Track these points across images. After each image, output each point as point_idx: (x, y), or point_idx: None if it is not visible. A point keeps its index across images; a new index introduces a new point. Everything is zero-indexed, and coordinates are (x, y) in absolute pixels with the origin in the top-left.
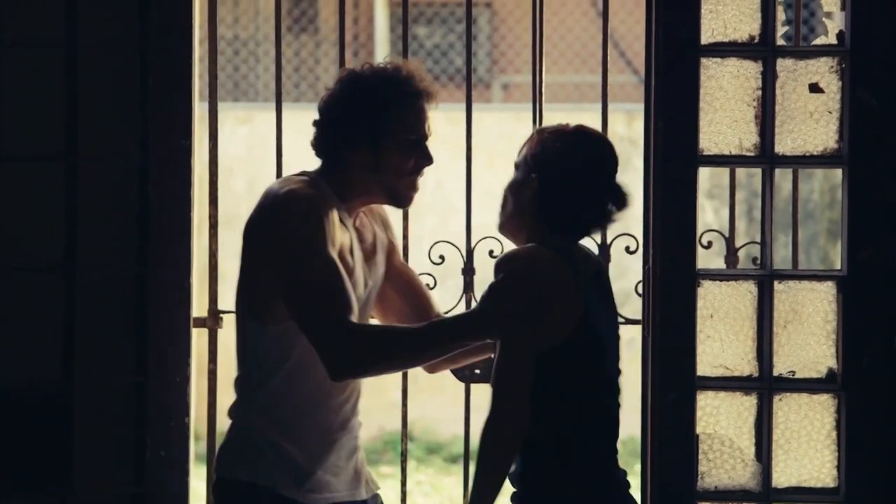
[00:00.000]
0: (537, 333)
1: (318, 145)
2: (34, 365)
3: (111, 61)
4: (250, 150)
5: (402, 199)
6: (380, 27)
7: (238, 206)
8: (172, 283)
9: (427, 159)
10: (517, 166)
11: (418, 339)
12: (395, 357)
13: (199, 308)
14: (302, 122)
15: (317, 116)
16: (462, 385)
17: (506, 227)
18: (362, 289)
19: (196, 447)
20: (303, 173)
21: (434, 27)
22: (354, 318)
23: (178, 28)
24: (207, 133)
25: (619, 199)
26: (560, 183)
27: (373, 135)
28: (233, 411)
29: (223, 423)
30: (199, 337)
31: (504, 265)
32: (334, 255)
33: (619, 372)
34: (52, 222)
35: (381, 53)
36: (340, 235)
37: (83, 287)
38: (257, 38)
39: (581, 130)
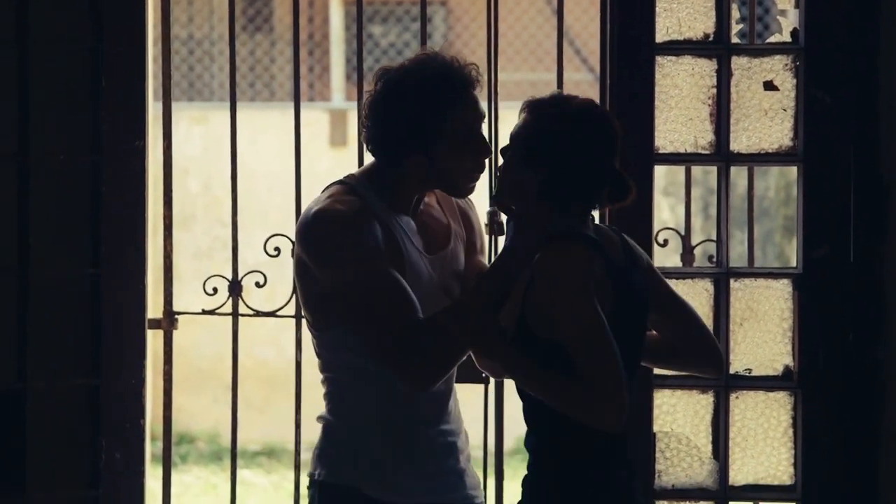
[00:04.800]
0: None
1: (370, 146)
2: None
3: (63, 61)
4: (206, 149)
5: (462, 191)
6: (335, 26)
7: (193, 205)
8: (127, 285)
9: (484, 152)
10: (513, 140)
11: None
12: (457, 352)
13: (154, 309)
14: (257, 121)
15: (271, 115)
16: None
17: (505, 202)
18: (426, 280)
19: (153, 447)
20: (347, 177)
21: (389, 26)
22: (419, 314)
23: (131, 28)
24: (162, 133)
25: (623, 186)
26: (569, 169)
27: (425, 140)
28: (323, 413)
29: (179, 423)
30: (154, 338)
31: (548, 264)
32: (378, 263)
33: (635, 364)
34: (4, 223)
35: (337, 52)
36: (385, 237)
37: (36, 289)
38: (212, 38)
39: (585, 108)
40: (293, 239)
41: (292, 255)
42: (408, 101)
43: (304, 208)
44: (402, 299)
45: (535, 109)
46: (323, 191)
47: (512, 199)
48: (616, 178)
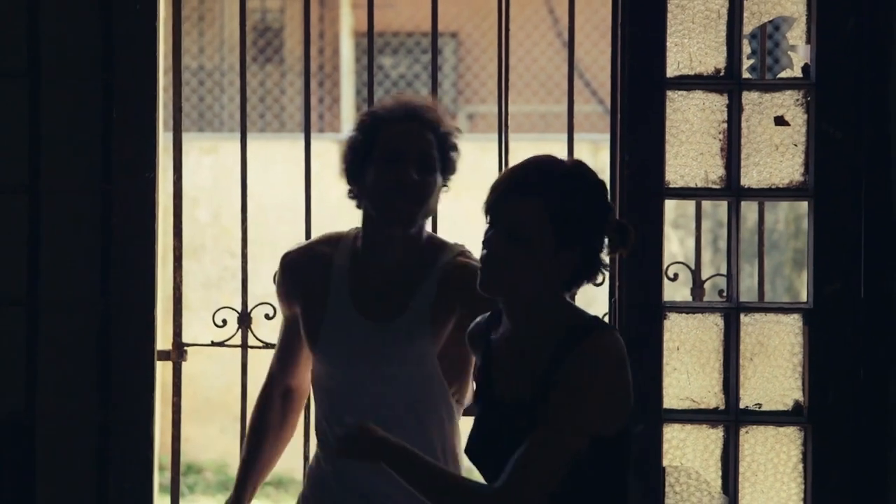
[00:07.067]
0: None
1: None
2: None
3: (74, 92)
4: (215, 180)
5: (384, 213)
6: (345, 58)
7: (203, 235)
8: (136, 316)
9: (400, 174)
10: (512, 227)
11: None
12: None
13: (162, 340)
14: (267, 152)
15: (281, 146)
16: None
17: (501, 285)
18: (357, 339)
19: (160, 478)
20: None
21: (399, 57)
22: (274, 370)
23: (142, 59)
24: (172, 164)
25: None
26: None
27: (361, 165)
28: None
29: (187, 453)
30: (162, 368)
31: (592, 356)
32: (283, 310)
33: None
34: (14, 254)
35: (347, 84)
36: (316, 282)
37: (46, 320)
38: (222, 69)
39: (577, 172)
40: None
41: None
42: (355, 136)
43: (313, 239)
44: (276, 350)
45: (546, 185)
46: None
47: (518, 254)
48: (619, 228)
